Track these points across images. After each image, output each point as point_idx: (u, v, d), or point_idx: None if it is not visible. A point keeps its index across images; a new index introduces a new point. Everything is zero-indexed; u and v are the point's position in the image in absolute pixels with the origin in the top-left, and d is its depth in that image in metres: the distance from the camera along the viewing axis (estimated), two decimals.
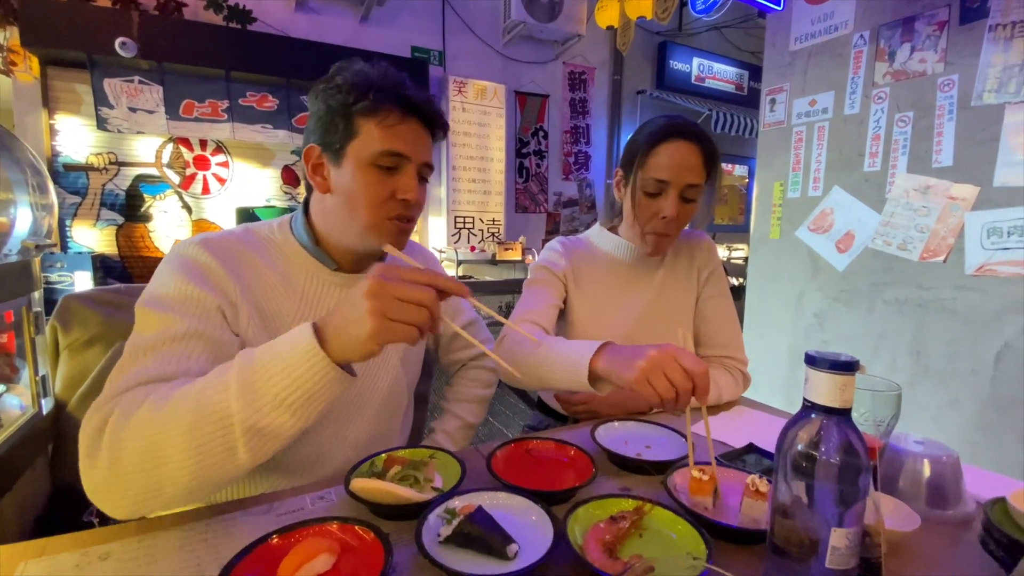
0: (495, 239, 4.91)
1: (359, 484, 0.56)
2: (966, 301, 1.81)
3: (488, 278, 4.82)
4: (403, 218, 0.75)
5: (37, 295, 0.89)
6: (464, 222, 4.80)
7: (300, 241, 0.78)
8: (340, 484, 0.64)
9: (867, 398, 0.59)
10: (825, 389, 0.41)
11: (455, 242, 4.76)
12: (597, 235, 1.10)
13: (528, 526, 0.54)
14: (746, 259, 3.09)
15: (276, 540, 0.48)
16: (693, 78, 5.76)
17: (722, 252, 6.24)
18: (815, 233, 2.27)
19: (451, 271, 4.56)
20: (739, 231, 6.38)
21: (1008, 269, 1.71)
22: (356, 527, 0.51)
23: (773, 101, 2.37)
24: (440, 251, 4.67)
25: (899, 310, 2.01)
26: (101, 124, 3.37)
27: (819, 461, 0.42)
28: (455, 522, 0.51)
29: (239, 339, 0.70)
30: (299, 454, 0.75)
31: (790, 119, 2.30)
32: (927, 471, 0.62)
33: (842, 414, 0.42)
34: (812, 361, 0.42)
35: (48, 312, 0.91)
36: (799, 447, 0.43)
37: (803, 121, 2.25)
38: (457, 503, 0.56)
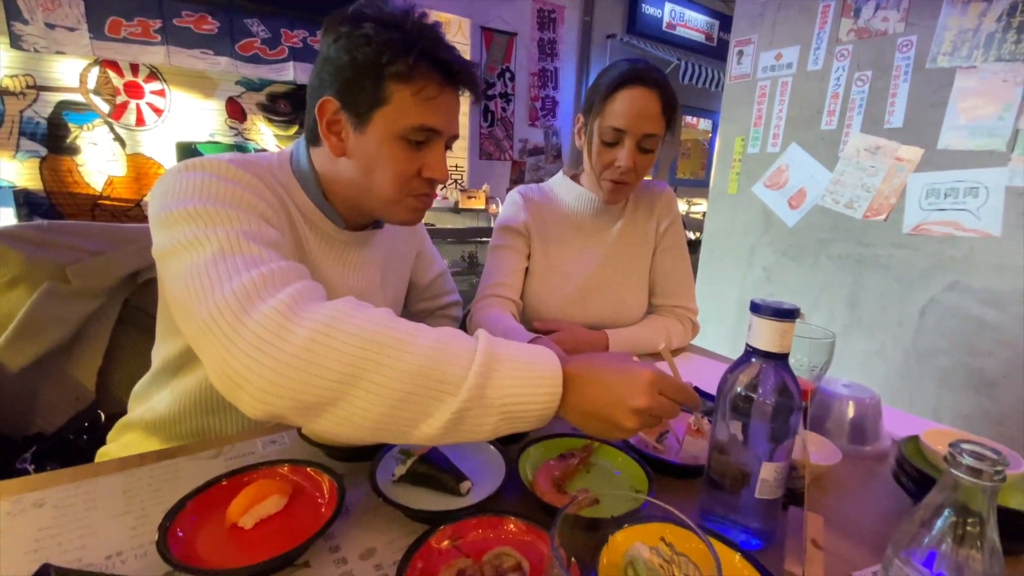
0: (458, 187, 4.80)
1: None
2: (900, 258, 1.93)
3: (450, 226, 4.75)
4: (425, 195, 0.70)
5: None
6: None
7: (307, 191, 0.69)
8: (291, 430, 0.64)
9: (804, 345, 0.62)
10: (766, 335, 0.43)
11: None
12: (559, 184, 1.09)
13: (481, 464, 0.56)
14: (705, 214, 3.17)
15: (225, 483, 0.48)
16: (664, 24, 5.62)
17: (682, 206, 6.35)
18: (770, 189, 2.33)
19: None
20: (700, 186, 6.48)
21: (940, 229, 1.83)
22: (308, 468, 0.51)
23: (741, 53, 2.35)
24: None
25: (840, 265, 2.12)
26: (15, 42, 2.99)
27: (756, 402, 0.44)
28: (409, 462, 0.52)
29: None
30: None
31: (756, 72, 2.30)
32: (851, 411, 0.67)
33: (780, 359, 0.44)
34: (756, 308, 0.44)
35: None
36: (738, 389, 0.46)
37: (768, 75, 2.26)
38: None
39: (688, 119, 6.42)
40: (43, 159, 3.30)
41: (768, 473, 0.44)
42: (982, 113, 1.68)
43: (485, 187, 4.72)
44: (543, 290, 1.04)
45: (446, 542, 0.44)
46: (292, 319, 0.43)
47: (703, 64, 5.05)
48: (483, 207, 4.55)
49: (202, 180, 0.55)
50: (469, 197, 4.45)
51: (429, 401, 0.42)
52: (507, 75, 5.03)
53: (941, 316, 1.84)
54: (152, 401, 0.72)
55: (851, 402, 0.67)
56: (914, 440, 0.58)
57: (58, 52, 3.14)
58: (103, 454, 0.73)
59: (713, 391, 0.81)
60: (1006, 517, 0.47)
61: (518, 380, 0.44)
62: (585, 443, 0.59)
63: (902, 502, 0.56)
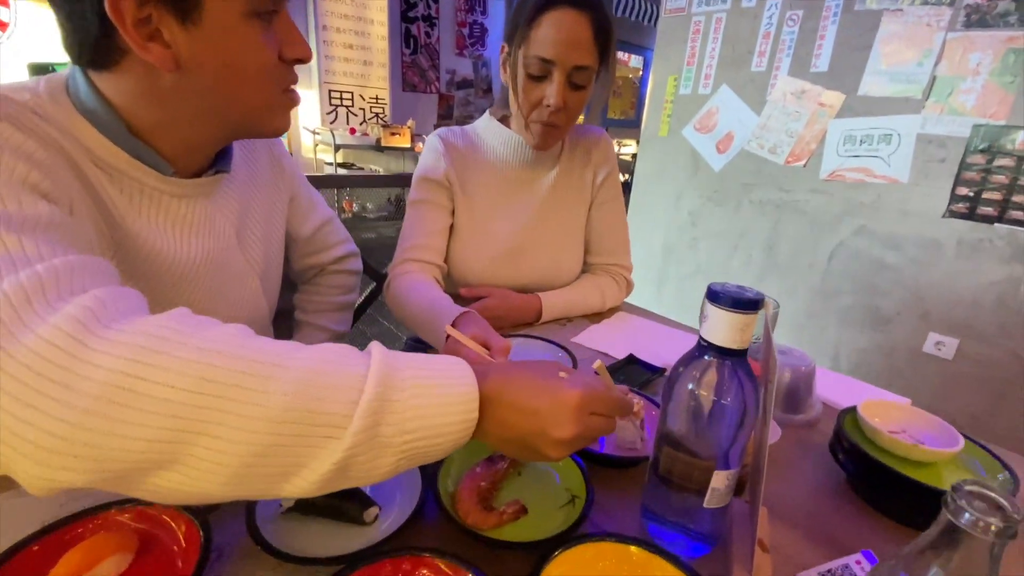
0: (379, 121, 4.41)
1: None
2: (815, 203, 2.00)
3: (373, 167, 4.40)
4: (293, 89, 0.55)
5: None
6: (341, 98, 4.20)
7: (103, 130, 0.49)
8: None
9: None
10: (724, 329, 0.37)
11: (331, 122, 4.19)
12: (485, 126, 0.95)
13: (395, 480, 0.47)
14: (634, 155, 3.14)
15: (37, 547, 0.36)
16: None
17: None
18: (699, 133, 2.31)
19: (327, 157, 4.06)
20: (630, 126, 6.45)
21: (853, 175, 1.89)
22: (159, 510, 0.40)
23: None
24: (314, 132, 4.10)
25: (761, 210, 2.18)
26: None
27: (709, 403, 0.38)
28: None
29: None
30: None
31: (691, 6, 2.20)
32: (787, 379, 0.65)
33: (738, 355, 0.37)
34: (714, 296, 0.37)
35: None
36: (690, 386, 0.39)
37: (703, 10, 2.17)
38: None
39: (620, 55, 6.25)
40: None
41: (719, 482, 0.39)
42: (903, 58, 1.70)
43: (410, 123, 4.38)
44: (469, 251, 0.93)
45: None
46: (83, 351, 0.29)
47: None
48: (408, 145, 4.24)
49: None
50: (392, 134, 4.11)
51: (301, 450, 0.31)
52: None
53: (847, 259, 1.96)
54: None
55: (788, 371, 0.64)
56: (852, 413, 0.56)
57: None
58: None
59: (647, 356, 0.78)
60: (922, 492, 0.46)
61: (423, 411, 0.35)
62: None
63: (839, 477, 0.55)
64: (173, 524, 0.39)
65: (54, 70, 2.82)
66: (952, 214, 1.67)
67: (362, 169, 4.16)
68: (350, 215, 4.27)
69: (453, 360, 0.39)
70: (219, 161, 0.59)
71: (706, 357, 0.39)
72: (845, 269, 1.96)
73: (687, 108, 2.31)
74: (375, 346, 0.38)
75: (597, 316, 0.97)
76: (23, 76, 2.94)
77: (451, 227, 0.93)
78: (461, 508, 0.43)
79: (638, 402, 0.57)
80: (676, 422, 0.41)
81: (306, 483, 0.32)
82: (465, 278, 0.93)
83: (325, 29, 3.92)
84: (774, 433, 0.56)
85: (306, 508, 0.42)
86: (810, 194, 2.02)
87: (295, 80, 0.54)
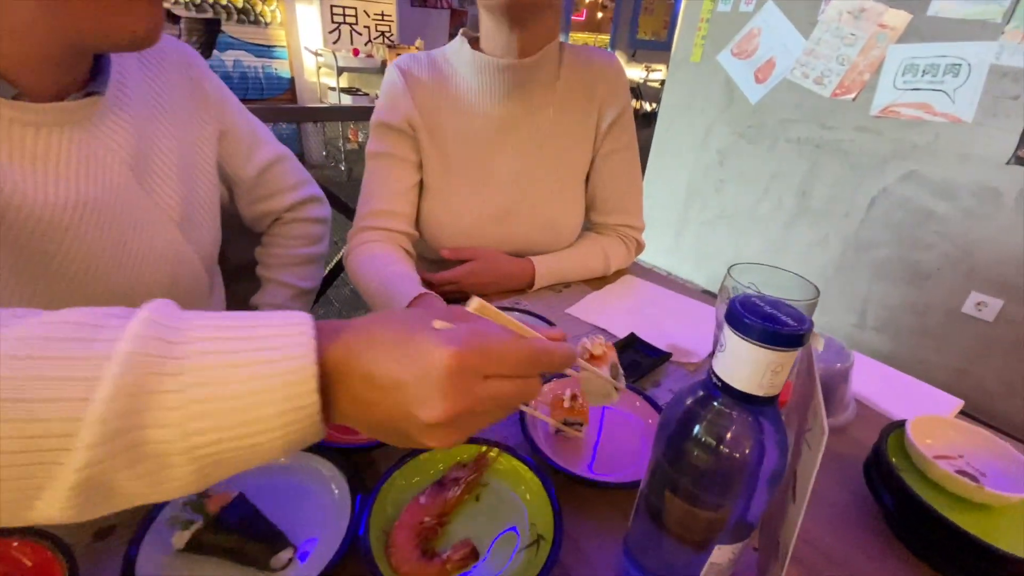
0: (385, 40, 4.08)
1: None
2: (861, 143, 1.79)
3: (378, 92, 4.13)
4: None
5: None
6: (344, 15, 3.87)
7: None
8: None
9: None
10: (749, 371, 0.25)
11: (334, 42, 3.89)
12: (456, 50, 0.75)
13: (324, 509, 0.39)
14: (663, 83, 2.84)
15: None
16: None
17: (638, 73, 5.82)
18: (737, 58, 2.05)
19: (330, 80, 3.80)
20: (661, 48, 5.90)
21: (910, 112, 1.66)
22: (19, 543, 0.32)
23: None
24: (316, 53, 3.82)
25: (798, 150, 1.96)
26: None
27: (718, 456, 0.28)
28: (195, 527, 0.34)
29: None
30: None
31: None
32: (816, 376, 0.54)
33: (766, 403, 0.26)
34: (735, 322, 0.25)
35: None
36: (696, 430, 0.29)
37: None
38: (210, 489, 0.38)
39: None
40: None
41: (722, 557, 0.30)
42: None
43: (419, 42, 4.04)
44: (442, 213, 0.78)
45: None
46: None
47: None
48: None
49: None
50: (399, 55, 3.81)
51: (27, 470, 0.22)
52: None
53: (889, 207, 1.77)
54: None
55: (820, 367, 0.53)
56: (900, 431, 0.45)
57: None
58: None
59: (653, 333, 0.67)
60: (983, 551, 0.36)
61: (219, 403, 0.24)
62: (479, 451, 0.43)
63: (871, 507, 0.45)
64: (32, 565, 0.31)
65: None
66: (1018, 160, 1.46)
67: (367, 95, 3.91)
68: (355, 145, 4.07)
69: (279, 319, 0.28)
70: (92, 83, 0.48)
71: (718, 400, 0.28)
72: (886, 218, 1.78)
73: (725, 29, 2.04)
74: (152, 305, 0.26)
75: (600, 281, 0.85)
76: None
77: (421, 182, 0.78)
78: (395, 556, 0.35)
79: (601, 344, 0.43)
80: (675, 462, 0.31)
81: (53, 510, 0.23)
82: (441, 245, 0.79)
83: None
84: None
85: (202, 548, 0.34)
86: (855, 132, 1.79)
87: None
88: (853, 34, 1.74)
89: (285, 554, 0.34)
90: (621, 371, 0.43)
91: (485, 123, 0.76)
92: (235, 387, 0.25)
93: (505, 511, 0.40)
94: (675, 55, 2.24)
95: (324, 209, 0.81)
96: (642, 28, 5.89)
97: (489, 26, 0.70)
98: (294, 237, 0.76)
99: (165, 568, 0.33)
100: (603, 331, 0.69)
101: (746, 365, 0.25)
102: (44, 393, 0.22)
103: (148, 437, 0.23)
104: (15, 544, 0.33)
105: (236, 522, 0.35)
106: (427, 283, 0.74)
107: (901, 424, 0.46)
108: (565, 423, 0.46)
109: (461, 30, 0.76)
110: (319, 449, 0.41)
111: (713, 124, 2.18)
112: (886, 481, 0.42)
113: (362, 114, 2.41)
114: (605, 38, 5.87)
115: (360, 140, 4.05)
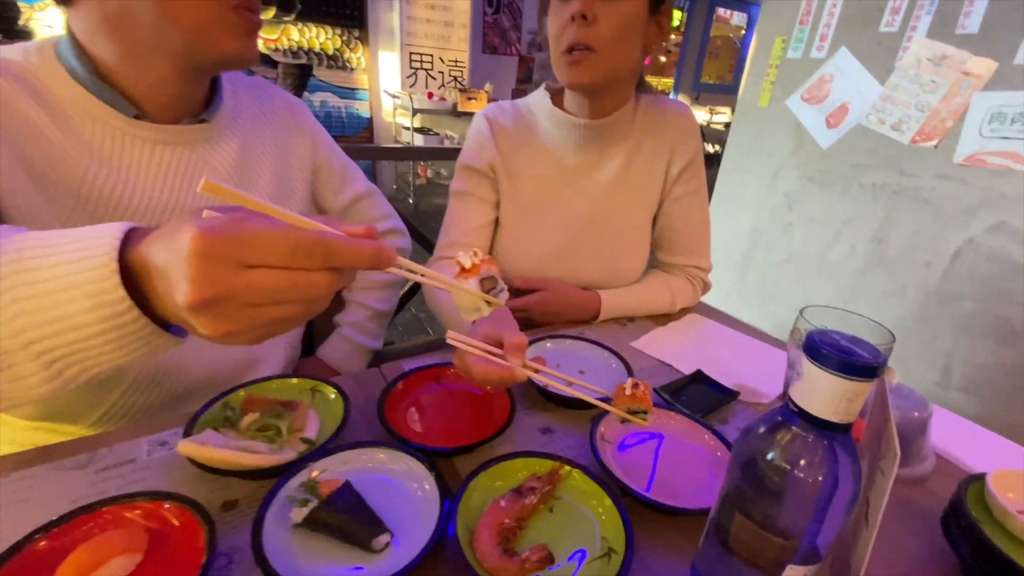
0: (457, 84, 4.34)
1: (188, 448, 0.42)
2: (944, 191, 1.71)
3: (449, 132, 4.38)
4: (247, 7, 0.53)
5: None
6: (421, 61, 4.17)
7: (76, 76, 0.52)
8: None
9: None
10: (826, 398, 0.28)
11: (411, 86, 4.19)
12: (539, 104, 0.83)
13: (413, 501, 0.43)
14: (727, 125, 2.85)
15: (43, 543, 0.35)
16: None
17: (702, 115, 5.83)
18: (807, 103, 2.04)
19: (405, 121, 4.08)
20: (725, 92, 5.90)
21: (998, 160, 1.58)
22: (169, 506, 0.38)
23: None
24: (394, 96, 4.13)
25: (873, 195, 1.90)
26: None
27: (793, 481, 0.30)
28: (310, 506, 0.39)
29: None
30: (140, 364, 0.58)
31: None
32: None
33: (840, 430, 0.29)
34: (814, 352, 0.28)
35: None
36: (771, 456, 0.31)
37: None
38: (322, 473, 0.43)
39: (721, 12, 5.66)
40: None
41: (794, 574, 0.31)
42: None
43: (488, 87, 4.27)
44: (515, 247, 0.84)
45: None
46: None
47: None
48: None
49: None
50: (469, 98, 4.04)
51: None
52: None
53: (976, 259, 1.67)
54: None
55: (896, 415, 0.53)
56: (980, 483, 0.44)
57: None
58: None
59: (719, 372, 0.67)
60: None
61: (34, 301, 0.29)
62: (552, 467, 0.46)
63: (950, 562, 0.44)
64: (184, 523, 0.37)
65: None
66: None
67: (438, 134, 4.15)
68: (424, 181, 4.30)
69: (92, 230, 0.31)
70: (204, 112, 0.60)
71: (794, 426, 0.30)
72: (972, 270, 1.68)
73: (795, 75, 2.04)
74: None
75: (665, 318, 0.87)
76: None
77: (497, 219, 0.85)
78: (479, 551, 0.38)
79: (473, 257, 0.42)
80: (749, 490, 0.33)
81: None
82: (512, 276, 0.84)
83: None
84: None
85: (316, 525, 0.39)
86: (938, 180, 1.72)
87: (247, 1, 0.52)
88: (934, 81, 1.69)
89: (384, 538, 0.39)
90: (501, 285, 0.43)
91: (559, 169, 0.83)
92: (40, 286, 0.29)
93: (577, 523, 0.43)
94: (742, 99, 2.25)
95: (405, 240, 0.90)
96: (706, 72, 5.93)
97: (567, 89, 0.77)
98: None
99: (284, 538, 0.38)
100: (668, 366, 0.71)
101: (823, 393, 0.28)
102: None
103: None
104: (166, 506, 0.39)
105: (343, 505, 0.39)
106: None
107: (981, 476, 0.45)
108: (629, 411, 0.48)
109: (545, 83, 0.83)
110: (409, 449, 0.46)
111: (781, 167, 2.16)
112: (964, 532, 0.41)
113: (446, 155, 2.62)
114: (669, 81, 5.95)
115: (428, 175, 4.28)
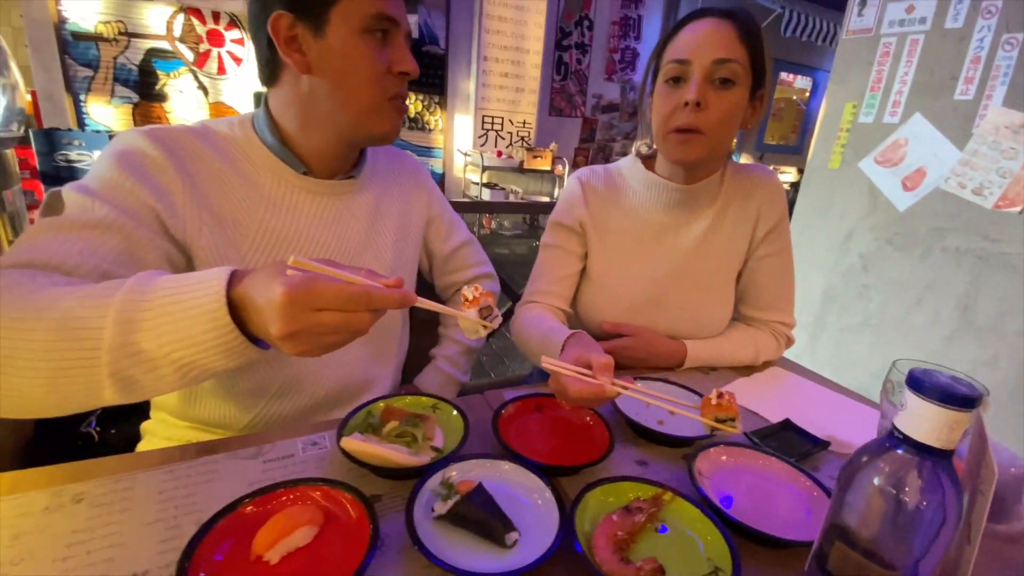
0: (524, 144, 4.62)
1: (351, 445, 0.50)
2: None
3: (514, 187, 4.62)
4: (401, 97, 0.67)
5: (15, 190, 0.81)
6: (492, 123, 4.50)
7: (264, 141, 0.68)
8: (334, 429, 0.60)
9: None
10: (929, 426, 0.32)
11: (481, 145, 4.50)
12: (630, 168, 0.91)
13: (532, 510, 0.49)
14: (793, 184, 2.84)
15: (250, 508, 0.44)
16: None
17: None
18: (881, 166, 2.03)
19: (475, 177, 4.36)
20: (789, 152, 5.89)
21: None
22: (342, 493, 0.46)
23: (863, 3, 2.01)
24: (465, 154, 4.44)
25: (956, 260, 1.84)
26: None
27: (899, 504, 0.34)
28: (452, 500, 0.46)
29: (178, 249, 0.61)
30: (282, 374, 0.71)
31: (879, 27, 1.96)
32: None
33: (942, 455, 0.33)
34: (917, 385, 0.33)
35: None
36: (877, 481, 0.35)
37: (895, 31, 1.92)
38: (455, 475, 0.51)
39: (784, 76, 5.76)
40: (135, 105, 3.47)
41: None
42: None
43: (553, 146, 4.51)
44: (600, 298, 0.90)
45: None
46: None
47: (811, 14, 4.46)
48: (549, 168, 4.37)
49: (102, 158, 0.58)
50: (535, 156, 4.28)
51: (83, 370, 0.41)
52: (585, 23, 4.69)
53: None
54: None
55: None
56: None
57: None
58: (145, 430, 0.75)
59: (804, 423, 0.69)
60: None
61: (173, 324, 0.41)
62: (655, 492, 0.51)
63: None
64: (351, 507, 0.45)
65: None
66: None
67: (503, 189, 4.39)
68: (488, 231, 4.52)
69: (208, 274, 0.43)
70: (353, 170, 0.74)
71: (900, 451, 0.34)
72: None
73: (867, 139, 2.05)
74: (135, 278, 0.44)
75: (748, 370, 0.90)
76: (250, 102, 3.66)
77: (584, 271, 0.93)
78: (598, 555, 0.43)
79: (475, 290, 0.55)
80: (853, 517, 0.37)
81: (109, 392, 0.43)
82: (592, 326, 0.91)
83: (485, 60, 4.24)
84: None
85: (455, 519, 0.45)
86: None
87: (402, 92, 0.66)
88: (1013, 148, 1.67)
89: (514, 535, 0.44)
90: (496, 312, 0.56)
91: (647, 228, 0.90)
92: (178, 315, 0.41)
93: (682, 543, 0.47)
94: (812, 161, 2.27)
95: (495, 285, 1.00)
96: (770, 132, 5.97)
97: (661, 155, 0.86)
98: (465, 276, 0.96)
99: (428, 528, 0.45)
100: (755, 414, 0.74)
101: (926, 421, 0.32)
102: (81, 316, 0.41)
103: (140, 348, 0.41)
104: (339, 492, 0.47)
105: (479, 503, 0.46)
106: None
107: None
108: (717, 420, 0.53)
109: (636, 148, 0.93)
110: (527, 463, 0.53)
111: (855, 229, 2.13)
112: None
113: (540, 209, 2.92)
114: (732, 144, 6.01)
115: (492, 227, 4.50)
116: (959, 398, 0.31)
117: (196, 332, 0.41)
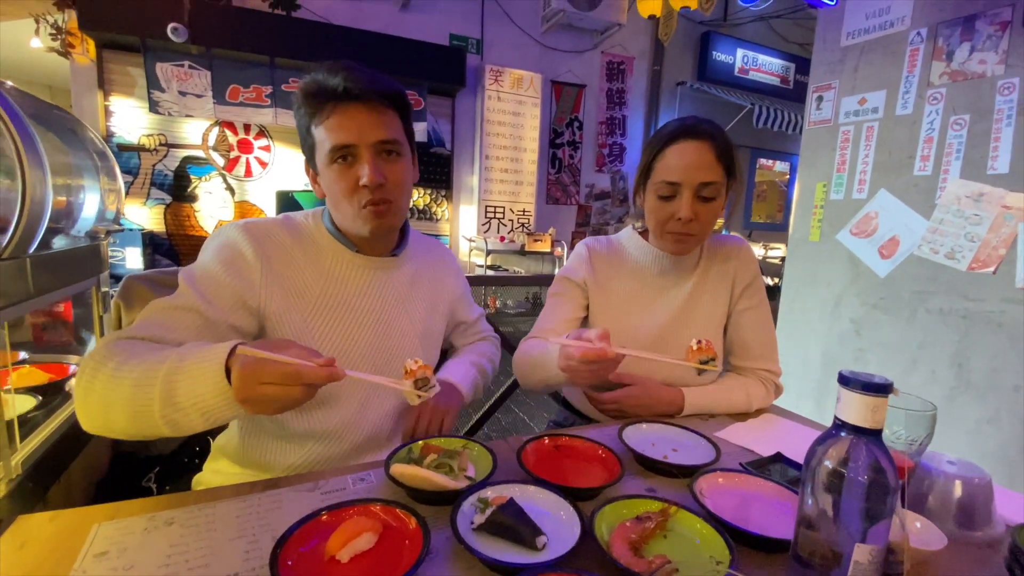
0: (525, 230, 4.93)
1: (399, 470, 0.59)
2: (1014, 315, 1.74)
3: (516, 269, 4.85)
4: (375, 202, 0.78)
5: (104, 275, 0.96)
6: (495, 212, 4.83)
7: (328, 229, 0.85)
8: (380, 467, 0.68)
9: (901, 417, 0.59)
10: (857, 409, 0.42)
11: (485, 231, 4.79)
12: (628, 239, 1.09)
13: (556, 520, 0.57)
14: (783, 259, 3.02)
15: (325, 517, 0.53)
16: (736, 70, 5.60)
17: (758, 251, 6.09)
18: (857, 237, 2.20)
19: (479, 260, 4.60)
20: (777, 229, 6.21)
21: None
22: (397, 510, 0.55)
23: (820, 99, 2.30)
24: (470, 240, 4.72)
25: (942, 320, 1.94)
26: (153, 107, 3.52)
27: (847, 479, 0.43)
28: (488, 512, 0.54)
29: (252, 315, 0.77)
30: (331, 423, 0.83)
31: (837, 118, 2.22)
32: (958, 492, 0.61)
33: (872, 434, 0.42)
34: (845, 381, 0.43)
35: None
36: (828, 463, 0.44)
37: (851, 120, 2.18)
38: (489, 493, 0.59)
39: (764, 161, 6.24)
40: (167, 206, 3.79)
41: (862, 555, 0.42)
42: None
43: (551, 230, 4.80)
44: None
45: None
46: (91, 358, 0.63)
47: (778, 108, 4.95)
48: (548, 250, 4.62)
49: (208, 248, 0.78)
50: (535, 240, 4.55)
51: (147, 414, 0.57)
52: (575, 124, 5.19)
53: None
54: (230, 428, 0.88)
55: (958, 481, 0.61)
56: None
57: (187, 115, 3.65)
58: (198, 481, 0.83)
59: (796, 456, 0.78)
60: None
61: (194, 385, 0.56)
62: (662, 506, 0.58)
63: None
64: (405, 520, 0.53)
65: (292, 195, 3.74)
66: None
67: (507, 270, 4.61)
68: (493, 310, 4.67)
69: (219, 348, 0.57)
70: (396, 249, 0.91)
71: (841, 434, 0.44)
72: None
73: (840, 213, 2.23)
74: (185, 348, 0.60)
75: (743, 416, 0.98)
76: (272, 200, 3.98)
77: (586, 321, 1.06)
78: (615, 551, 0.51)
79: (414, 362, 0.66)
80: (814, 501, 0.45)
81: (165, 429, 0.58)
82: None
83: (487, 158, 4.66)
84: (937, 539, 0.54)
85: (492, 528, 0.53)
86: (1006, 304, 1.76)
87: (375, 198, 0.79)
88: (977, 215, 1.83)
89: (543, 539, 0.52)
90: (433, 382, 0.67)
91: (643, 286, 1.05)
92: (197, 377, 0.56)
93: (686, 544, 0.54)
94: (793, 235, 2.45)
95: (497, 342, 1.16)
96: (756, 212, 6.33)
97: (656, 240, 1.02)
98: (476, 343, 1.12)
99: (469, 536, 0.53)
100: (749, 451, 0.82)
101: (856, 408, 0.43)
102: (147, 380, 0.58)
103: (179, 402, 0.57)
104: (399, 512, 0.55)
105: (512, 513, 0.54)
106: (594, 400, 0.95)
107: None
108: (701, 362, 0.63)
109: (632, 224, 1.10)
110: (550, 486, 0.61)
111: (842, 295, 2.25)
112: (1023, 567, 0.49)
113: (541, 281, 3.14)
114: (719, 221, 6.36)
115: (497, 305, 4.66)
116: (876, 386, 0.42)
117: (207, 390, 0.56)
